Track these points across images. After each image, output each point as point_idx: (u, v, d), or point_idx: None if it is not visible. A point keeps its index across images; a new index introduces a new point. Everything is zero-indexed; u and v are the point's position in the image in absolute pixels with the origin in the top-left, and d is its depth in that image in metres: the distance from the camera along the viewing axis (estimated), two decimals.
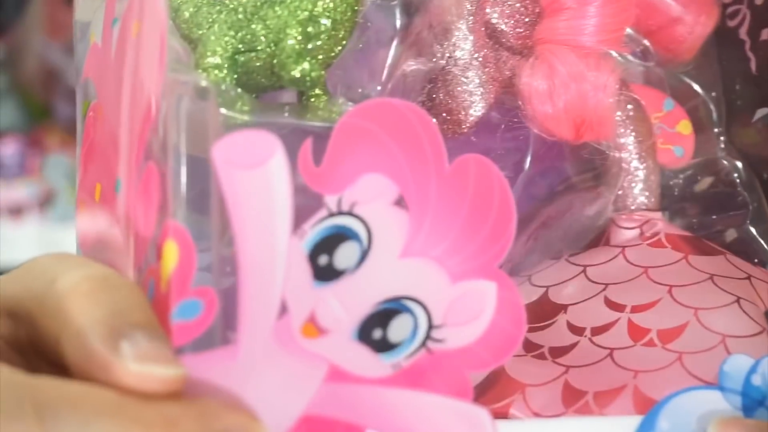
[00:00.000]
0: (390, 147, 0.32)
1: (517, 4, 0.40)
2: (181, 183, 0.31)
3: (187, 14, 0.36)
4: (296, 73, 0.35)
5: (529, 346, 0.38)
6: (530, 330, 0.38)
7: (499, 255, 0.33)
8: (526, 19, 0.40)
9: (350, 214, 0.32)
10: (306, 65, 0.36)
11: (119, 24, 0.36)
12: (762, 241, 0.43)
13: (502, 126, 0.40)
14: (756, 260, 0.42)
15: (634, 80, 0.43)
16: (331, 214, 0.32)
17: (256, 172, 0.31)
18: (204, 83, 0.33)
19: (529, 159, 0.41)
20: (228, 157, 0.31)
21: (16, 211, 1.49)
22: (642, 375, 0.36)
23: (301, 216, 0.32)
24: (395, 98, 0.35)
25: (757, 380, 0.35)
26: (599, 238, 0.42)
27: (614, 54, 0.42)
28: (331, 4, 0.36)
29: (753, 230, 0.43)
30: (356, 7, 0.37)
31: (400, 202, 0.32)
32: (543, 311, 0.39)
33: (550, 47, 0.39)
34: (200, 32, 0.35)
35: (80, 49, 0.41)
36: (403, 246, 0.32)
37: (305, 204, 0.32)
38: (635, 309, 0.38)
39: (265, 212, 0.31)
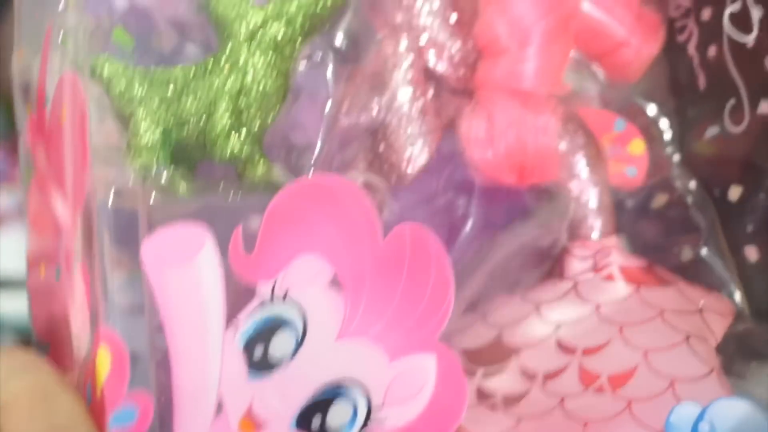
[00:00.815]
0: (323, 226, 0.32)
1: (455, 47, 0.39)
2: (108, 287, 0.31)
3: (118, 89, 0.35)
4: (227, 152, 0.35)
5: (482, 395, 0.38)
6: (484, 376, 0.38)
7: (439, 325, 0.33)
8: (465, 62, 0.39)
9: (284, 300, 0.31)
10: (237, 143, 0.35)
11: (50, 106, 0.35)
12: (715, 263, 0.42)
13: (446, 171, 0.39)
14: (710, 282, 0.41)
15: (584, 104, 0.43)
16: (264, 303, 0.31)
17: (186, 268, 0.31)
18: (130, 182, 0.32)
19: (477, 199, 0.40)
20: (156, 255, 0.31)
21: None
22: (592, 425, 0.36)
23: (235, 306, 0.31)
24: (327, 175, 0.35)
25: (704, 428, 0.35)
26: (555, 267, 0.41)
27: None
28: (262, 73, 0.35)
29: (706, 251, 0.42)
30: (287, 73, 0.36)
31: (335, 283, 0.32)
32: (496, 355, 0.39)
33: (489, 92, 0.38)
34: (132, 108, 0.35)
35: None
36: (339, 328, 0.32)
37: (239, 293, 0.32)
38: (586, 352, 0.37)
39: (197, 308, 0.31)
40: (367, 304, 0.32)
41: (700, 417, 0.35)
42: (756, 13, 0.40)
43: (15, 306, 1.28)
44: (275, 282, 0.32)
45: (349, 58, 0.39)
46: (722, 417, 0.35)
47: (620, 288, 0.39)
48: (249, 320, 0.31)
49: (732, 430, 0.35)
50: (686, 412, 0.35)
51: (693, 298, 0.40)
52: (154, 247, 0.31)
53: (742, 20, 0.40)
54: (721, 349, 0.38)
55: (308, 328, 0.32)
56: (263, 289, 0.32)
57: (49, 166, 0.36)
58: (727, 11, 0.41)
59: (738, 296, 0.41)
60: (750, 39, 0.40)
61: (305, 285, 0.32)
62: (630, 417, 0.36)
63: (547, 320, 0.39)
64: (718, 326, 0.39)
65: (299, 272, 0.32)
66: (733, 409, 0.36)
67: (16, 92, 0.41)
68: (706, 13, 0.43)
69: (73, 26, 0.35)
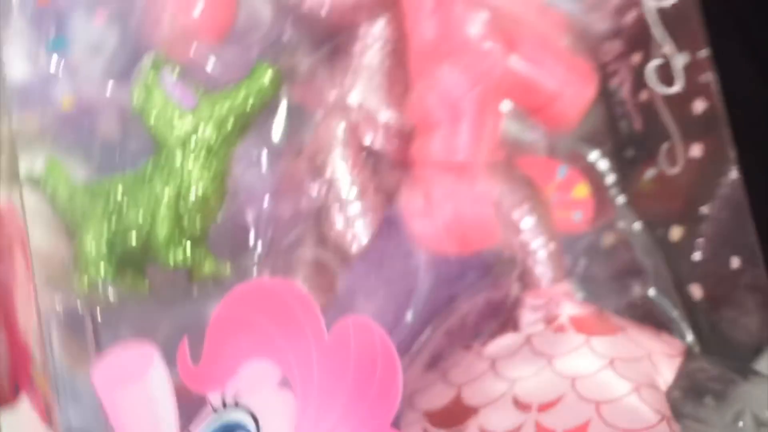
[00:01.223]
0: (267, 329, 0.33)
1: (393, 122, 0.39)
2: (62, 413, 0.32)
3: (62, 202, 0.36)
4: (172, 260, 0.36)
5: None
6: None
7: (390, 413, 0.33)
8: (401, 136, 0.39)
9: (236, 407, 0.32)
10: (180, 251, 0.36)
11: None
12: (663, 301, 0.43)
13: (390, 246, 0.40)
14: (659, 321, 0.42)
15: (525, 153, 0.43)
16: (217, 411, 0.32)
17: (137, 386, 0.31)
18: (79, 305, 0.33)
19: (420, 274, 0.41)
20: (107, 377, 0.31)
21: None
22: None
23: (188, 417, 0.32)
24: (266, 279, 0.35)
25: None
26: (509, 319, 0.42)
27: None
28: (197, 176, 0.36)
29: (654, 290, 0.43)
30: (224, 173, 0.37)
31: (285, 383, 0.33)
32: (456, 416, 0.40)
33: (425, 166, 0.39)
34: (76, 221, 0.36)
35: None
36: (293, 427, 0.33)
37: (190, 404, 0.33)
38: (541, 408, 0.38)
39: (150, 423, 0.32)
40: (318, 401, 0.33)
41: None
42: (680, 61, 0.41)
43: None
44: (225, 390, 0.33)
45: (286, 149, 0.39)
46: None
47: (571, 339, 0.40)
48: (203, 430, 0.32)
49: None
50: None
51: (642, 343, 0.41)
52: (103, 370, 0.32)
53: (669, 65, 0.41)
54: (671, 392, 0.39)
55: (262, 430, 0.33)
56: (213, 398, 0.33)
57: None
58: (656, 57, 0.42)
59: (687, 334, 0.42)
60: (678, 81, 0.41)
61: (255, 389, 0.33)
62: None
63: (503, 376, 0.40)
64: (668, 369, 0.40)
65: (248, 378, 0.33)
66: None
67: None
68: (636, 59, 0.43)
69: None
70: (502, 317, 0.42)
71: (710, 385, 0.41)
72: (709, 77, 0.40)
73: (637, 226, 0.44)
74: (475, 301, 0.42)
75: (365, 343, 0.33)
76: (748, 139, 0.40)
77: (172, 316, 0.36)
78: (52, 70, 0.37)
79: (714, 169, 0.41)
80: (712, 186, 0.41)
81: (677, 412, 0.39)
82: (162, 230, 0.36)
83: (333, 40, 0.40)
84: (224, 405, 0.33)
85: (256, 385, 0.33)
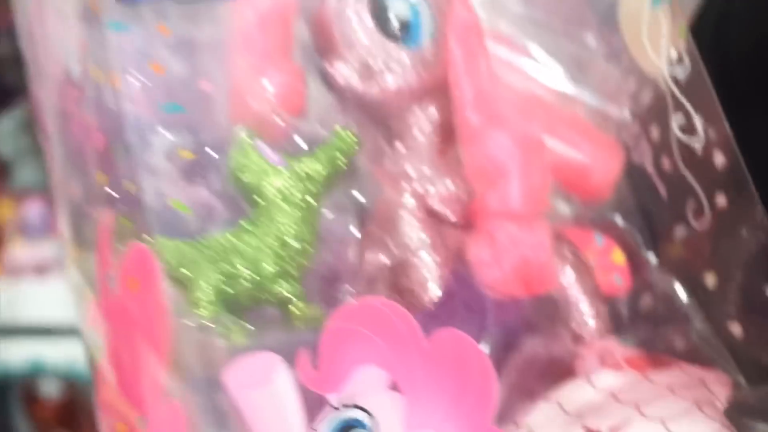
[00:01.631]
0: (373, 339, 0.36)
1: (451, 186, 0.44)
2: (205, 416, 0.34)
3: (171, 259, 0.40)
4: (281, 293, 0.39)
5: None
6: None
7: (490, 411, 0.36)
8: (462, 198, 0.44)
9: (353, 406, 0.35)
10: (287, 284, 0.40)
11: (117, 282, 0.40)
12: (704, 346, 0.47)
13: (461, 294, 0.44)
14: (706, 362, 0.46)
15: (565, 225, 0.48)
16: (336, 410, 0.35)
17: (266, 390, 0.35)
18: (203, 320, 0.37)
19: (490, 318, 0.44)
20: (238, 381, 0.35)
21: (41, 269, 1.53)
22: None
23: (311, 416, 0.35)
24: (368, 296, 0.39)
25: None
26: (565, 371, 0.45)
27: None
28: (295, 228, 0.40)
29: (695, 337, 0.47)
30: (316, 225, 0.41)
31: (393, 386, 0.36)
32: None
33: (487, 220, 0.43)
34: (186, 273, 0.39)
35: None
36: (404, 423, 0.36)
37: (313, 404, 0.36)
38: (612, 430, 0.41)
39: (280, 422, 0.35)
40: (424, 400, 0.36)
41: None
42: (698, 121, 0.46)
43: (57, 352, 1.36)
44: (341, 392, 0.36)
45: (365, 205, 0.44)
46: None
47: (629, 375, 0.44)
48: (324, 427, 0.36)
49: None
50: None
51: (694, 374, 0.44)
52: (234, 375, 0.35)
53: (688, 127, 0.47)
54: (727, 414, 0.42)
55: (379, 426, 0.36)
56: (333, 399, 0.36)
57: (122, 343, 0.40)
58: (674, 123, 0.47)
59: (731, 369, 0.46)
60: (696, 141, 0.46)
61: (368, 391, 0.36)
62: None
63: (570, 413, 0.43)
64: (722, 395, 0.43)
65: (361, 381, 0.37)
66: None
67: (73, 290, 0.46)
68: (655, 132, 0.49)
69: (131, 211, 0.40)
70: (560, 369, 0.46)
71: (761, 410, 0.44)
72: (725, 131, 0.45)
73: (672, 281, 0.49)
74: (534, 355, 0.46)
75: (461, 349, 0.37)
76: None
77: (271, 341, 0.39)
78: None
79: (739, 214, 0.45)
80: (739, 229, 0.45)
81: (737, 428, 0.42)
82: (267, 270, 0.40)
83: (391, 121, 0.45)
84: (343, 405, 0.36)
85: (369, 388, 0.36)
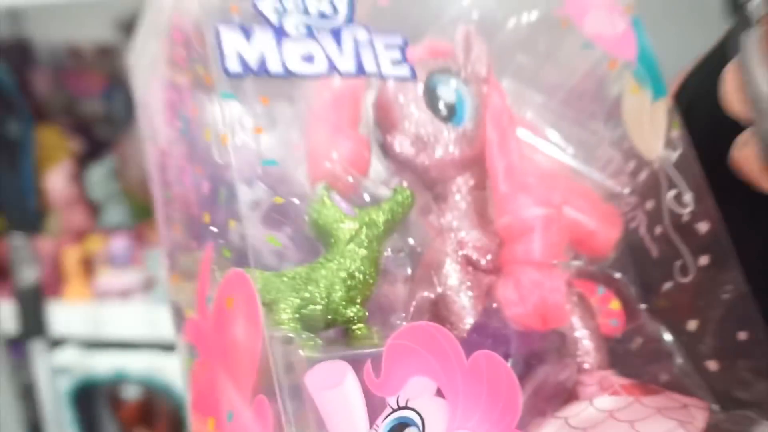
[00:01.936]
0: (425, 355, 0.43)
1: (485, 239, 0.51)
2: (288, 410, 0.43)
3: (260, 286, 0.48)
4: (349, 315, 0.48)
5: None
6: None
7: (515, 418, 0.45)
8: (493, 249, 0.52)
9: (407, 408, 0.44)
10: (354, 308, 0.48)
11: (212, 304, 0.48)
12: (685, 380, 0.55)
13: (490, 326, 0.52)
14: (687, 392, 0.54)
15: (574, 276, 0.57)
16: (394, 410, 0.44)
17: (338, 390, 0.42)
18: (289, 334, 0.45)
19: (513, 346, 0.53)
20: (316, 383, 0.42)
21: (125, 294, 1.68)
22: None
23: (374, 415, 0.44)
24: (420, 321, 0.47)
25: None
26: (570, 395, 0.53)
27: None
28: (360, 263, 0.48)
29: (678, 372, 0.55)
30: (378, 263, 0.49)
31: (439, 394, 0.44)
32: None
33: (513, 266, 0.52)
34: (270, 297, 0.47)
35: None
36: (447, 424, 0.42)
37: (375, 405, 0.44)
38: None
39: (349, 417, 0.43)
40: (463, 406, 0.41)
41: None
42: (688, 196, 0.55)
43: (138, 362, 1.67)
44: (398, 396, 0.44)
45: (416, 249, 0.53)
46: None
47: (625, 399, 0.49)
48: (384, 423, 0.43)
49: None
50: None
51: (678, 400, 0.51)
52: (313, 378, 0.43)
53: (679, 201, 0.56)
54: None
55: (426, 425, 0.42)
56: (391, 401, 0.44)
57: (217, 345, 0.48)
58: (667, 197, 0.56)
59: (708, 398, 0.54)
60: (685, 212, 0.55)
61: (419, 396, 0.43)
62: None
63: (575, 427, 0.50)
64: (700, 418, 0.50)
65: (414, 388, 0.42)
66: None
67: (172, 310, 0.54)
68: (649, 204, 0.56)
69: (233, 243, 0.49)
70: (566, 394, 0.53)
71: (734, 428, 0.52)
72: (710, 203, 0.51)
73: (660, 325, 0.57)
74: (545, 379, 0.54)
75: (494, 368, 0.45)
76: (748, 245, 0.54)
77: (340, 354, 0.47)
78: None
79: (719, 272, 0.50)
80: (718, 284, 0.50)
81: None
82: (339, 296, 0.48)
83: (437, 184, 0.52)
84: (399, 407, 0.44)
85: (420, 394, 0.41)
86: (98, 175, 1.84)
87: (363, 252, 0.47)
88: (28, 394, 1.76)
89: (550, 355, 0.51)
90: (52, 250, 1.84)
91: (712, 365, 0.52)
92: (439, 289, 0.49)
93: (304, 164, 0.48)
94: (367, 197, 0.49)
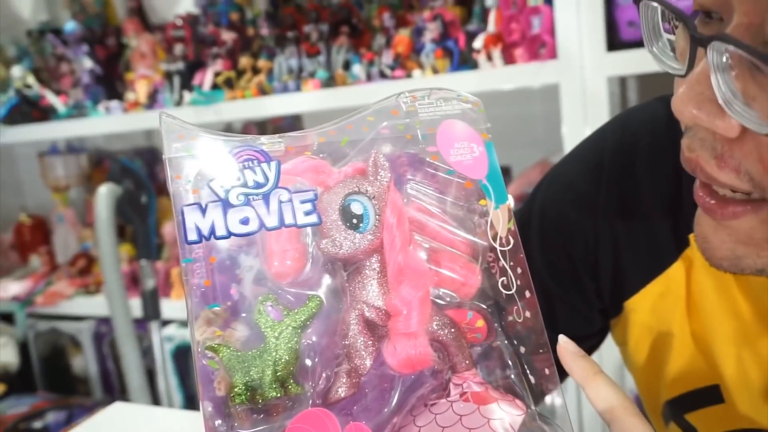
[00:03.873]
0: None
1: (380, 309, 0.70)
2: None
3: (225, 362, 0.68)
4: (271, 395, 0.64)
5: None
6: None
7: None
8: (385, 315, 0.70)
9: None
10: (276, 390, 0.63)
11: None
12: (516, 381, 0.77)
13: (380, 369, 0.71)
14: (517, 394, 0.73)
15: (449, 308, 0.74)
16: None
17: None
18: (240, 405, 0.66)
19: (396, 381, 0.71)
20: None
21: None
22: None
23: None
24: (314, 408, 0.65)
25: None
26: (444, 389, 0.72)
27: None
28: (285, 353, 0.65)
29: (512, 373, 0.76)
30: (298, 350, 0.66)
31: None
32: None
33: (393, 333, 0.69)
34: (232, 370, 0.67)
35: None
36: None
37: None
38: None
39: None
40: None
41: None
42: (512, 277, 0.76)
43: None
44: None
45: (329, 327, 0.70)
46: None
47: (470, 406, 0.69)
48: None
49: None
50: None
51: (503, 408, 0.71)
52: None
53: (508, 279, 0.77)
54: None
55: None
56: None
57: None
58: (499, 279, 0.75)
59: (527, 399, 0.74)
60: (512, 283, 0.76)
61: None
62: None
63: (440, 424, 0.69)
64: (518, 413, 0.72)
65: None
66: None
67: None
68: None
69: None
70: (441, 388, 0.71)
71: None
72: (529, 279, 0.73)
73: (507, 341, 0.73)
74: (424, 389, 0.71)
75: None
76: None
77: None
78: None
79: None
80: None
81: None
82: (267, 378, 0.62)
83: (351, 267, 0.69)
84: None
85: None
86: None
87: (285, 344, 0.64)
88: (147, 353, 2.89)
89: (425, 378, 0.71)
90: (164, 269, 3.24)
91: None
92: (348, 342, 0.67)
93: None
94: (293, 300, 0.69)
